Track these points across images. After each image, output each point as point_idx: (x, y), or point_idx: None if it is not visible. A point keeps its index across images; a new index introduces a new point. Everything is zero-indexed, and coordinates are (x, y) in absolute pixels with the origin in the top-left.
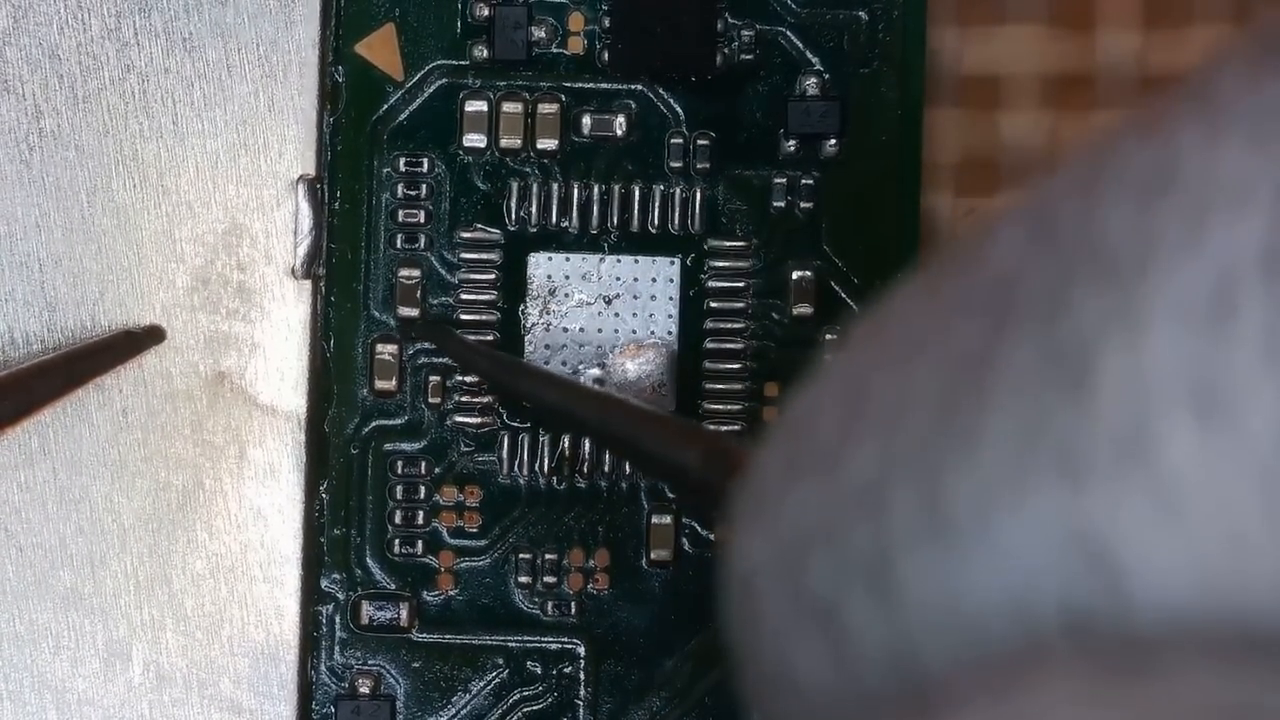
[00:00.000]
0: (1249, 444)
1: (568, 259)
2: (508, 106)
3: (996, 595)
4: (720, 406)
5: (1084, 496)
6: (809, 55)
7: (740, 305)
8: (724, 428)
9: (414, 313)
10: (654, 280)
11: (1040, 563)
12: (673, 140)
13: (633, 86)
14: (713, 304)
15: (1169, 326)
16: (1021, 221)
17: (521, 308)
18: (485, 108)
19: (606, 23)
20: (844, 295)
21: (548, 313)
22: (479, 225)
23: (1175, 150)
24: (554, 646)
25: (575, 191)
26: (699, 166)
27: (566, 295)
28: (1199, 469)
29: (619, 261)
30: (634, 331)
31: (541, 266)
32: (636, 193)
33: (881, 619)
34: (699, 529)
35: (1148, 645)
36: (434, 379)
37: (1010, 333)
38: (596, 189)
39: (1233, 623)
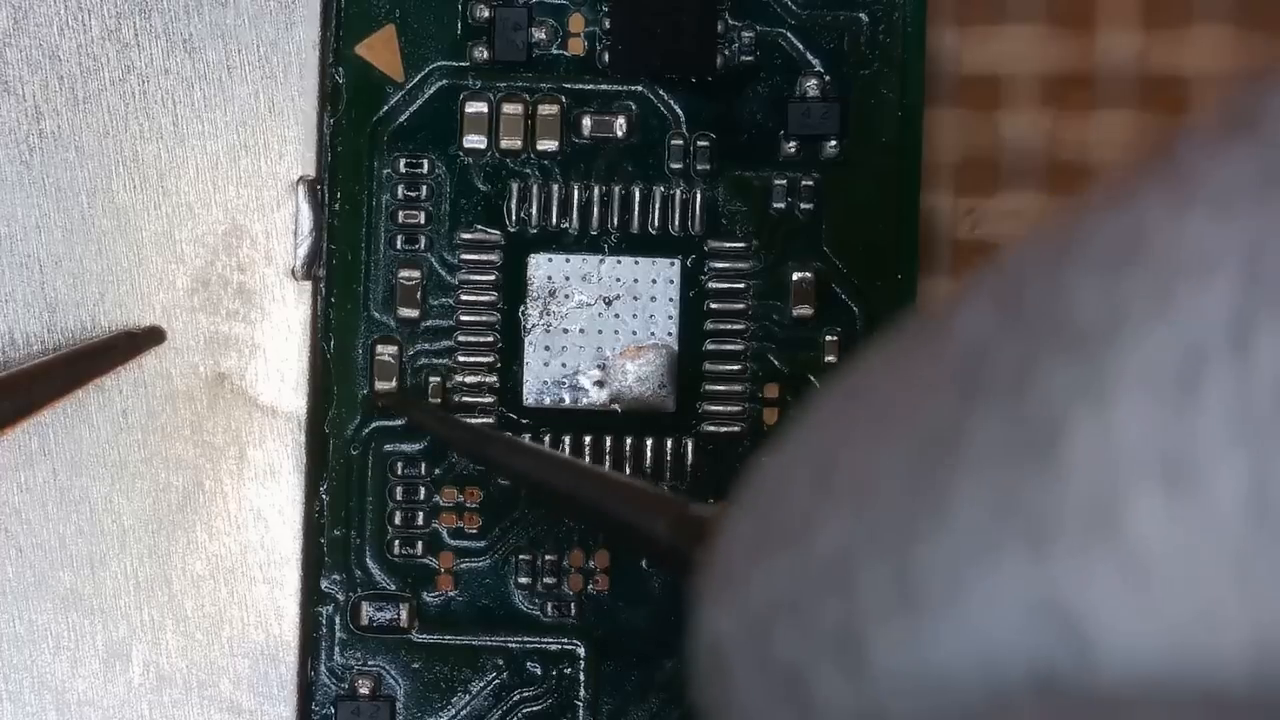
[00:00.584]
0: (1216, 514)
1: (568, 260)
2: (508, 108)
3: (965, 663)
4: (720, 407)
5: (1052, 565)
6: (809, 56)
7: (740, 306)
8: (724, 428)
9: (414, 313)
10: (654, 281)
11: (1009, 631)
12: (673, 141)
13: (633, 88)
14: (713, 305)
15: (1136, 397)
16: (989, 292)
17: (522, 309)
18: (485, 109)
19: (607, 24)
20: (844, 296)
21: (548, 314)
22: (479, 226)
23: (1141, 221)
24: (554, 647)
25: (575, 193)
26: (699, 168)
27: (567, 296)
28: (1166, 539)
29: (619, 263)
30: (634, 333)
31: (542, 268)
32: (637, 194)
33: (850, 688)
34: None
35: (1114, 707)
36: (434, 380)
37: (979, 404)
38: (597, 190)
39: (1200, 687)
